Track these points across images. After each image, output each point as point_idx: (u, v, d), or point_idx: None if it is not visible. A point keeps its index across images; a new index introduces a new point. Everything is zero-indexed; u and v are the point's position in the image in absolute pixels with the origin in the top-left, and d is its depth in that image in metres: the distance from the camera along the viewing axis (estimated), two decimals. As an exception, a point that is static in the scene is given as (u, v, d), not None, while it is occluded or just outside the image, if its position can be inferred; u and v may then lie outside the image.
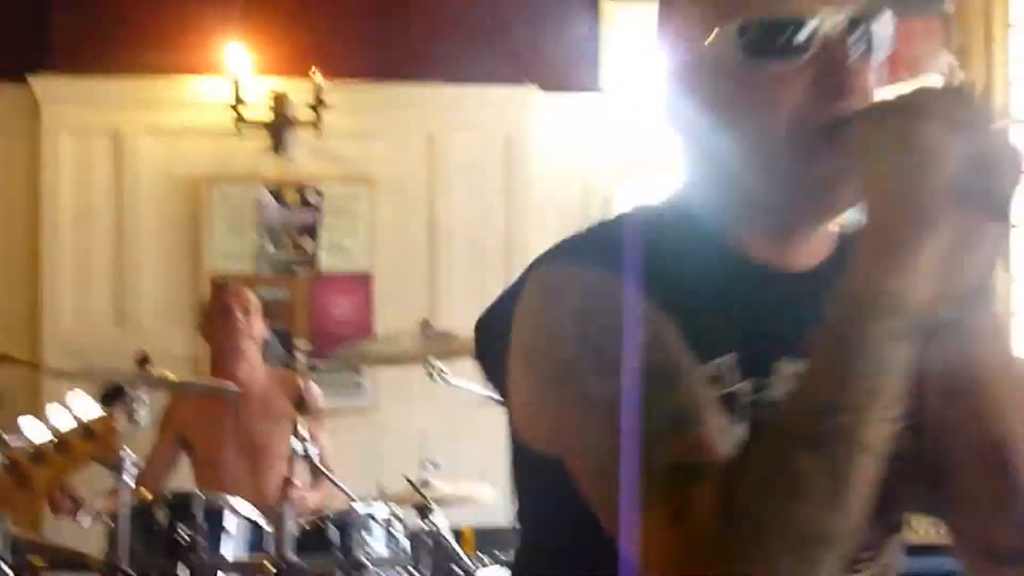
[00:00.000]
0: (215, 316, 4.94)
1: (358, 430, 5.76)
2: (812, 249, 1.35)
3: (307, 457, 4.11)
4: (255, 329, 4.91)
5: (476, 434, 5.56)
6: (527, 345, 1.29)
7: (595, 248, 1.31)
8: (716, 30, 1.28)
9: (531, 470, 1.39)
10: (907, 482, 1.33)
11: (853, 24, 1.25)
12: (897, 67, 5.14)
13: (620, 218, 1.39)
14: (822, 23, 1.23)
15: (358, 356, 5.29)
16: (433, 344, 4.32)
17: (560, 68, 6.50)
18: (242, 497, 4.05)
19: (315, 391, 4.89)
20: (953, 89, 1.17)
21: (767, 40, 1.24)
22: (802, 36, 1.23)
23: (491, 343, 1.36)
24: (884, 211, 1.12)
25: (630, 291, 1.22)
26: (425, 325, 4.36)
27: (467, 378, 4.45)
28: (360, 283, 6.39)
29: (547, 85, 6.50)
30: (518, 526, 1.50)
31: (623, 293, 1.22)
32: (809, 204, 1.29)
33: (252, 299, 4.94)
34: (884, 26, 1.28)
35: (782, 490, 1.06)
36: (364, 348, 5.12)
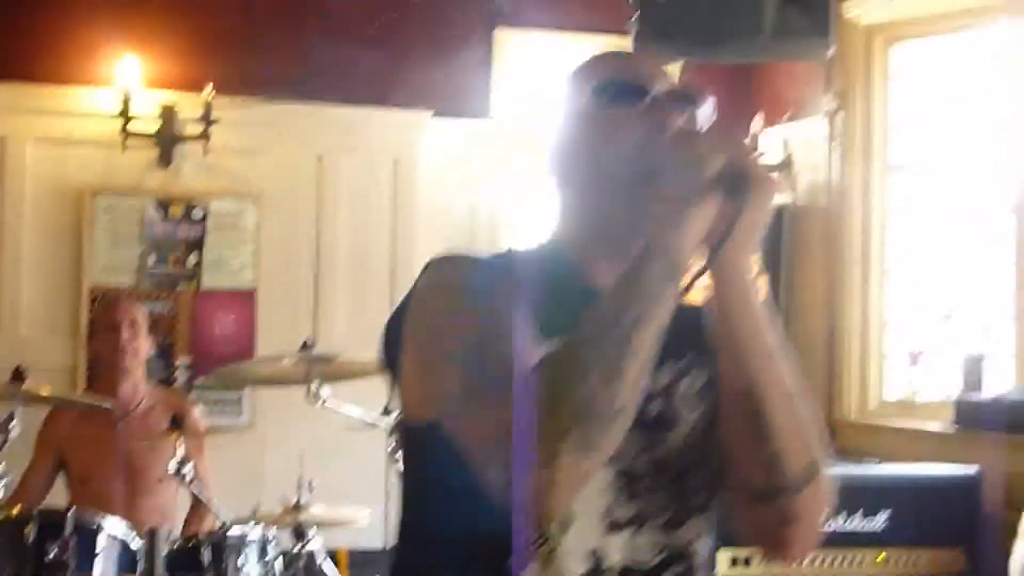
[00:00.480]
0: (102, 331, 4.90)
1: (236, 449, 5.74)
2: None
3: (182, 478, 4.10)
4: (142, 346, 4.87)
5: (354, 457, 5.59)
6: (416, 318, 1.65)
7: (475, 254, 1.73)
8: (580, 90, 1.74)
9: (415, 439, 1.73)
10: (704, 469, 1.70)
11: (678, 92, 1.71)
12: (781, 108, 5.33)
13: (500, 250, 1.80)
14: (655, 85, 1.69)
15: (238, 376, 5.27)
16: (313, 366, 4.33)
17: (451, 94, 6.55)
18: (117, 516, 4.01)
19: (196, 412, 4.87)
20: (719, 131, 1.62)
21: (614, 95, 1.70)
22: (639, 92, 1.69)
23: (390, 332, 1.70)
24: (667, 193, 1.53)
25: (498, 282, 1.60)
26: (306, 346, 4.36)
27: (347, 400, 4.48)
28: (243, 300, 6.38)
29: (438, 110, 6.55)
30: (405, 496, 1.79)
31: (493, 282, 1.60)
32: (637, 234, 1.60)
33: (140, 316, 4.91)
34: (705, 102, 1.72)
35: (568, 375, 1.45)
36: (244, 368, 5.10)
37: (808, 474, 1.63)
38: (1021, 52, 5.49)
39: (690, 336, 1.68)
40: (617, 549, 1.63)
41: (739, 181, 1.51)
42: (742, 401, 1.62)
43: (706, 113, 1.72)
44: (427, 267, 1.69)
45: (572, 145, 1.75)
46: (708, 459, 1.70)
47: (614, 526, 1.63)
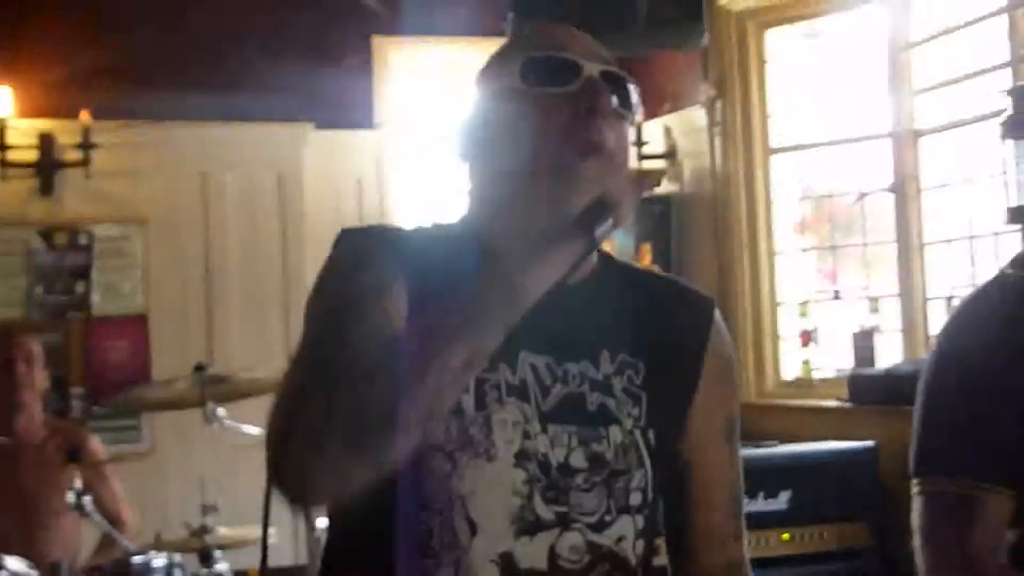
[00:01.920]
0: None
1: (138, 475, 5.66)
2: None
3: (81, 510, 4.05)
4: (37, 381, 4.79)
5: (256, 476, 5.53)
6: (312, 292, 1.61)
7: (378, 228, 1.70)
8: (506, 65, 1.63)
9: None
10: (642, 469, 1.62)
11: (609, 74, 1.60)
12: (661, 99, 5.37)
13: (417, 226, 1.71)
14: (586, 66, 1.58)
15: (133, 402, 5.21)
16: (208, 387, 4.30)
17: (334, 105, 6.53)
18: (14, 553, 3.95)
19: (95, 442, 4.79)
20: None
21: (542, 73, 1.58)
22: (569, 73, 1.57)
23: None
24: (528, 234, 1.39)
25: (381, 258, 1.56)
26: (199, 368, 4.33)
27: (244, 420, 4.45)
28: (135, 325, 6.29)
29: (321, 122, 6.52)
30: None
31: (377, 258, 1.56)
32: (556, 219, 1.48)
33: (35, 349, 4.82)
34: (629, 85, 1.63)
35: (361, 370, 1.35)
36: (139, 394, 5.04)
37: None
38: (888, 32, 5.61)
39: (633, 327, 1.64)
40: (534, 552, 1.53)
41: (601, 215, 1.39)
42: (702, 535, 1.79)
43: (635, 96, 1.64)
44: (336, 239, 1.67)
45: (492, 126, 1.63)
46: (647, 459, 1.62)
47: (532, 528, 1.53)
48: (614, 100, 1.57)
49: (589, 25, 5.63)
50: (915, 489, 2.20)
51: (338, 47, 6.66)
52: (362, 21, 6.69)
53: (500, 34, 5.67)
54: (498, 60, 1.66)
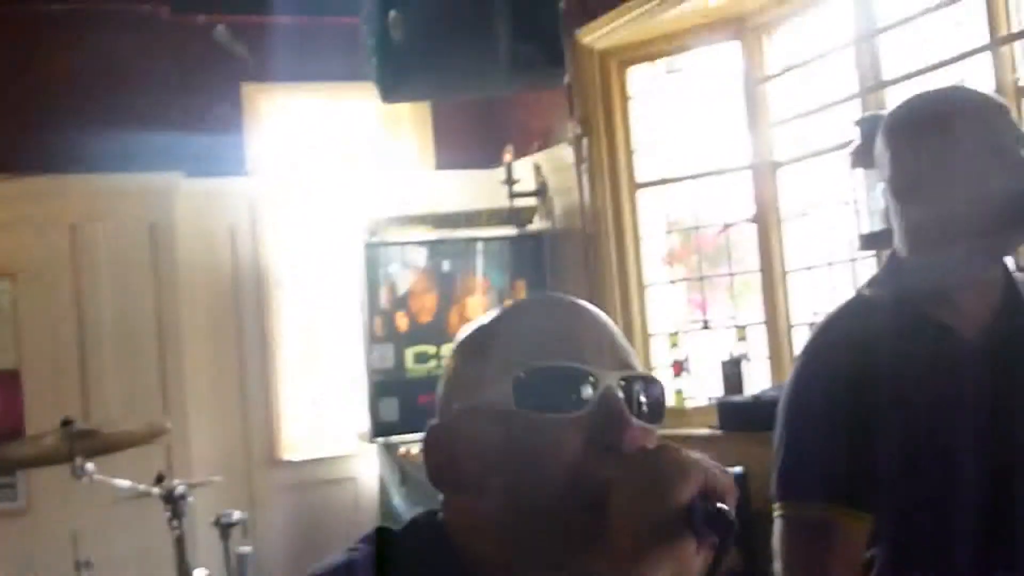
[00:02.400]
0: None
1: (13, 534, 5.60)
2: None
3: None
4: None
5: (130, 528, 5.50)
6: None
7: None
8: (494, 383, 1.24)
9: None
10: None
11: (628, 385, 1.24)
12: (531, 137, 5.44)
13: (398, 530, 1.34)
14: (598, 381, 1.21)
15: (2, 460, 5.15)
16: (76, 442, 4.27)
17: (204, 154, 6.50)
18: None
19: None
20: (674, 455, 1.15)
21: (544, 394, 1.21)
22: (578, 392, 1.21)
23: None
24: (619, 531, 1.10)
25: None
26: (66, 423, 4.31)
27: (116, 473, 4.42)
28: (7, 381, 6.21)
29: (192, 171, 6.49)
30: None
31: None
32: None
33: None
34: (657, 391, 1.29)
35: None
36: (6, 451, 4.99)
37: None
38: (744, 67, 5.75)
39: None
40: None
41: (714, 521, 1.09)
42: None
43: (662, 405, 1.29)
44: None
45: (481, 449, 1.24)
46: None
47: None
48: (635, 410, 1.23)
49: (452, 70, 5.70)
50: (776, 512, 2.24)
51: (207, 95, 6.66)
52: (230, 68, 6.69)
53: (369, 78, 5.73)
54: (481, 364, 1.28)
